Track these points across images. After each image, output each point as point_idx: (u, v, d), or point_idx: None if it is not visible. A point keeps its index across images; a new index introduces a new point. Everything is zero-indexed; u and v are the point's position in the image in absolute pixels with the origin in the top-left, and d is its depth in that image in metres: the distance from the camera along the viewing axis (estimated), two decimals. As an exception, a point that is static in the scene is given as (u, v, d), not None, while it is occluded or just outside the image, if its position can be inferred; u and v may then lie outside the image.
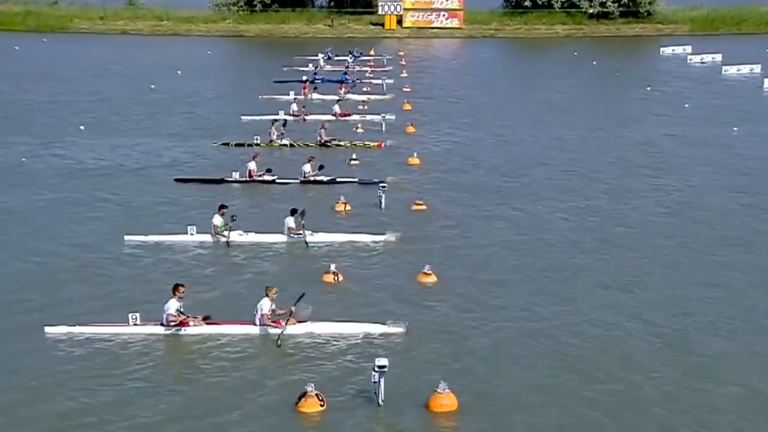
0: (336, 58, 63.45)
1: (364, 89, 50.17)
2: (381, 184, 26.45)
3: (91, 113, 42.45)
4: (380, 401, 14.36)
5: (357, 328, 17.25)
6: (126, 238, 22.89)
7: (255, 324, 17.30)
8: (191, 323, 17.26)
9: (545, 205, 26.44)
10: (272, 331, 17.12)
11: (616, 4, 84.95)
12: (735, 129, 38.60)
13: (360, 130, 37.88)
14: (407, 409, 14.38)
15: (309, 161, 29.26)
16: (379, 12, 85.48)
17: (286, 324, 17.06)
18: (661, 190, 28.33)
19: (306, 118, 40.41)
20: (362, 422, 14.07)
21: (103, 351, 16.58)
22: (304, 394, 14.37)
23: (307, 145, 34.83)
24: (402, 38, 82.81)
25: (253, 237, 22.90)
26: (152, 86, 51.38)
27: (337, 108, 41.61)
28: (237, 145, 34.75)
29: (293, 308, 17.10)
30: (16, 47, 72.32)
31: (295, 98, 44.24)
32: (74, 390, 15.09)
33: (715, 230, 24.09)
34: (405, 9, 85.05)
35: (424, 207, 25.77)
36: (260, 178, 28.95)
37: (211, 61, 66.02)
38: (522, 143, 36.29)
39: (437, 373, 15.04)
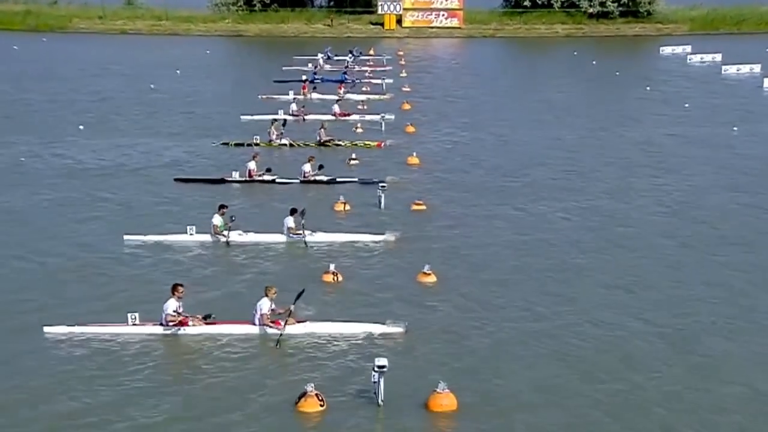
0: (335, 57, 63.43)
1: (364, 89, 50.15)
2: (380, 184, 26.42)
3: (91, 113, 42.43)
4: (380, 401, 14.35)
5: (356, 328, 17.23)
6: (125, 237, 22.86)
7: (254, 324, 17.28)
8: (190, 323, 17.24)
9: (545, 205, 26.42)
10: (271, 331, 17.10)
11: (616, 4, 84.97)
12: (735, 129, 38.59)
13: (359, 130, 37.86)
14: (407, 409, 14.36)
15: (309, 161, 29.24)
16: (379, 12, 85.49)
17: (285, 324, 17.04)
18: (662, 190, 28.31)
19: (306, 117, 40.39)
20: (362, 422, 14.05)
21: (102, 351, 16.55)
22: (303, 394, 14.35)
23: (307, 144, 34.81)
24: (401, 38, 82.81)
25: (252, 237, 22.87)
26: (152, 86, 51.36)
27: (336, 108, 41.59)
28: (236, 144, 34.73)
29: (292, 307, 17.08)
30: (15, 47, 72.29)
31: (294, 98, 44.24)
32: (73, 390, 15.07)
33: (716, 230, 24.08)
34: (404, 9, 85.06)
35: (423, 207, 25.75)
36: (260, 178, 28.93)
37: (210, 60, 65.98)
38: (522, 143, 36.27)
39: (437, 373, 15.03)
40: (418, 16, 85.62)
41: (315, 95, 47.50)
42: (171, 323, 17.19)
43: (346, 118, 40.57)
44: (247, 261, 21.63)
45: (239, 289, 19.58)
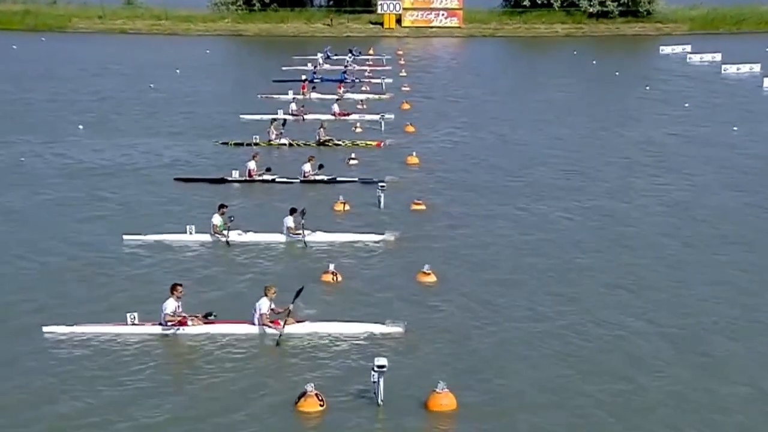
0: (335, 57, 63.40)
1: (363, 88, 50.13)
2: (380, 184, 26.40)
3: (91, 112, 42.41)
4: (379, 401, 14.33)
5: (356, 328, 17.21)
6: (125, 237, 22.85)
7: (254, 324, 17.26)
8: (189, 323, 17.22)
9: (546, 204, 26.40)
10: (271, 330, 17.09)
11: (616, 4, 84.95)
12: (735, 128, 38.58)
13: (359, 130, 37.84)
14: (406, 408, 14.35)
15: (309, 161, 29.22)
16: (379, 11, 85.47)
17: (284, 324, 17.03)
18: (663, 189, 28.30)
19: (305, 117, 40.37)
20: (361, 422, 14.05)
21: (102, 351, 16.53)
22: (303, 394, 14.34)
23: (306, 144, 34.79)
24: (401, 37, 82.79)
25: (252, 236, 22.85)
26: (151, 85, 51.33)
27: (336, 107, 41.57)
28: (236, 144, 34.72)
29: (291, 306, 17.06)
30: (14, 46, 72.24)
31: (294, 97, 44.21)
32: (72, 390, 15.05)
33: (717, 229, 24.07)
34: (404, 8, 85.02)
35: (423, 206, 25.73)
36: (260, 178, 28.91)
37: (210, 60, 65.94)
38: (522, 142, 36.25)
39: (436, 373, 15.02)
40: (417, 16, 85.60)
41: (314, 95, 47.47)
42: (170, 323, 17.17)
43: (346, 117, 40.55)
44: (246, 261, 21.61)
45: (239, 289, 19.56)
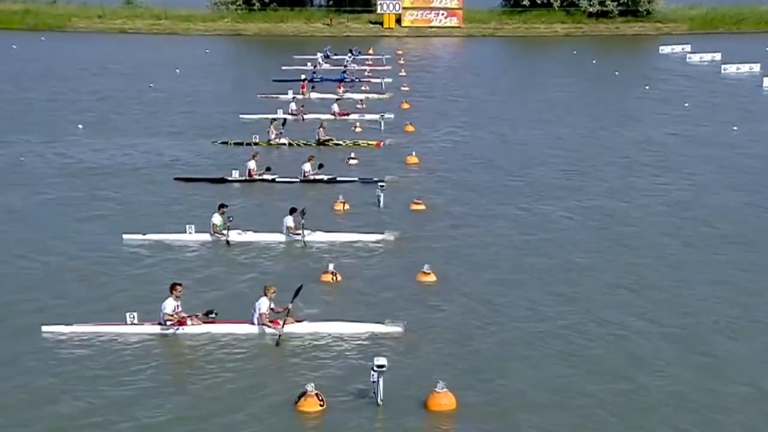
0: (335, 57, 63.40)
1: (363, 88, 50.14)
2: (379, 183, 26.39)
3: (91, 112, 42.40)
4: (379, 401, 14.33)
5: (355, 328, 17.20)
6: (124, 237, 22.84)
7: (253, 323, 17.26)
8: (189, 322, 17.22)
9: (546, 204, 26.39)
10: (270, 330, 17.08)
11: (616, 3, 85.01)
12: (735, 128, 38.58)
13: (358, 129, 37.84)
14: (406, 408, 14.35)
15: (309, 160, 29.21)
16: (378, 11, 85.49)
17: (284, 323, 17.03)
18: (664, 189, 28.30)
19: (305, 117, 40.37)
20: (361, 421, 14.04)
21: (101, 350, 16.52)
22: (303, 394, 14.34)
23: (306, 144, 34.78)
24: (401, 37, 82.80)
25: (251, 236, 22.84)
26: (151, 85, 51.33)
27: (335, 107, 41.58)
28: (236, 144, 34.73)
29: (290, 306, 17.06)
30: (14, 46, 72.21)
31: (294, 97, 44.20)
32: (72, 390, 15.03)
33: (718, 229, 24.06)
34: (404, 8, 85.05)
35: (422, 206, 25.72)
36: (260, 177, 28.91)
37: (209, 60, 65.94)
38: (522, 142, 36.25)
39: (436, 373, 15.01)
40: (417, 15, 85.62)
41: (314, 94, 47.47)
42: (169, 323, 17.16)
43: (346, 117, 40.54)
44: (246, 260, 21.60)
45: (238, 289, 19.55)
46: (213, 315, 17.26)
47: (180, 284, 17.52)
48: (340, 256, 21.44)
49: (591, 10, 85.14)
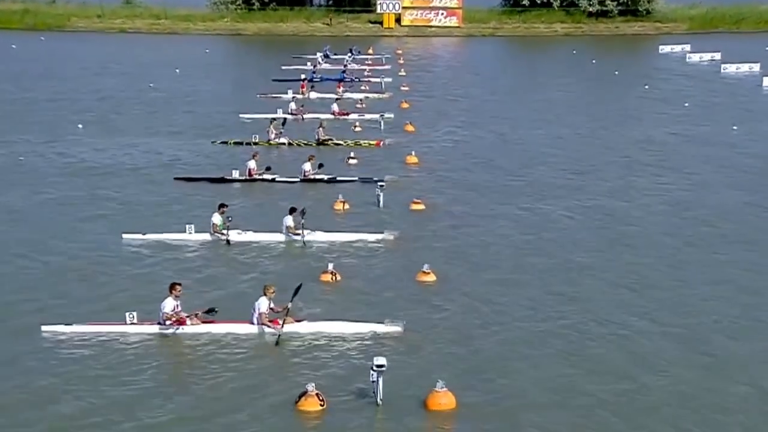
0: (334, 56, 63.39)
1: (363, 88, 50.14)
2: (379, 183, 26.38)
3: (91, 112, 42.39)
4: (379, 400, 14.32)
5: (355, 328, 17.18)
6: (124, 236, 22.84)
7: (253, 323, 17.25)
8: (188, 322, 17.21)
9: (546, 204, 26.39)
10: (270, 330, 17.08)
11: (615, 3, 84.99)
12: (735, 128, 38.58)
13: (358, 129, 37.84)
14: (406, 408, 14.34)
15: (309, 160, 29.21)
16: (378, 10, 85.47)
17: (283, 323, 17.02)
18: (664, 189, 28.31)
19: (304, 116, 40.36)
20: (361, 421, 14.03)
21: (100, 350, 16.50)
22: (304, 393, 14.33)
23: (306, 143, 34.76)
24: (400, 37, 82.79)
25: (251, 236, 22.84)
26: (150, 84, 51.31)
27: (335, 107, 41.57)
28: (236, 143, 34.73)
29: (290, 305, 17.06)
30: (14, 45, 72.18)
31: (293, 97, 44.19)
32: (71, 389, 15.01)
33: (718, 228, 24.06)
34: (404, 7, 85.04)
35: (422, 206, 25.72)
36: (260, 177, 28.90)
37: (209, 59, 65.93)
38: (522, 141, 36.25)
39: (435, 372, 15.00)
40: (417, 15, 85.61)
41: (314, 94, 47.43)
42: (168, 322, 17.15)
43: (345, 117, 40.54)
44: (245, 260, 21.60)
45: (238, 288, 19.54)
46: (214, 312, 17.24)
47: (179, 284, 17.51)
48: (339, 256, 21.44)
49: (591, 9, 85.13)
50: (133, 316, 17.23)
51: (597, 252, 22.11)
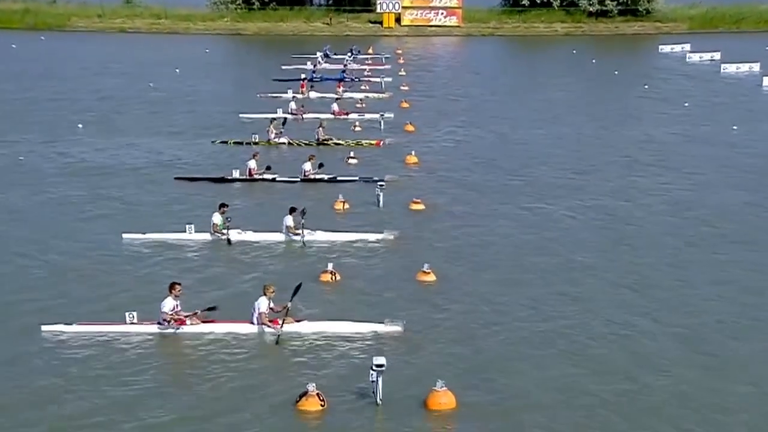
0: (334, 56, 63.39)
1: (363, 87, 50.13)
2: (379, 183, 26.37)
3: (91, 111, 42.38)
4: (378, 400, 14.32)
5: (354, 328, 17.18)
6: (124, 236, 22.84)
7: (252, 323, 17.26)
8: (188, 322, 17.21)
9: (546, 203, 26.38)
10: (270, 330, 17.08)
11: (615, 3, 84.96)
12: (735, 127, 38.58)
13: (358, 129, 37.84)
14: (406, 407, 14.34)
15: (309, 159, 29.21)
16: (378, 10, 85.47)
17: (283, 323, 17.03)
18: (665, 188, 28.30)
19: (304, 116, 40.37)
20: (361, 421, 14.03)
21: (100, 350, 16.50)
22: (304, 393, 14.32)
23: (306, 143, 34.76)
24: (400, 36, 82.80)
25: (251, 235, 22.84)
26: (150, 84, 51.31)
27: (335, 106, 41.57)
28: (236, 143, 34.74)
29: (289, 304, 17.06)
30: (14, 45, 72.17)
31: (293, 96, 44.17)
32: (71, 390, 15.01)
33: (719, 228, 24.04)
34: (403, 7, 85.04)
35: (422, 206, 25.72)
36: (260, 177, 28.91)
37: (209, 59, 65.93)
38: (522, 141, 36.25)
39: (435, 372, 14.99)
40: (417, 15, 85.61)
41: (314, 94, 47.42)
42: (168, 322, 17.16)
43: (345, 116, 40.53)
44: (245, 260, 21.59)
45: (238, 288, 19.53)
46: (214, 310, 17.23)
47: (179, 283, 17.51)
48: (339, 256, 21.43)
49: (591, 9, 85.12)
50: (133, 316, 17.23)
51: (598, 252, 22.11)
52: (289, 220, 22.73)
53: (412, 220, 24.62)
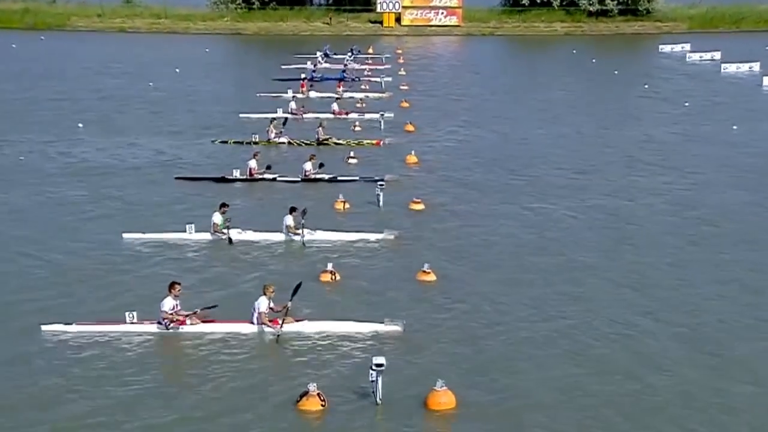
0: (334, 56, 63.36)
1: (363, 87, 50.12)
2: (379, 183, 26.37)
3: (91, 111, 42.36)
4: (378, 399, 14.32)
5: (355, 327, 17.18)
6: (124, 236, 22.84)
7: (252, 323, 17.26)
8: (188, 322, 17.21)
9: (546, 203, 26.36)
10: (269, 329, 17.08)
11: (615, 2, 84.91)
12: (735, 127, 38.58)
13: (358, 129, 37.83)
14: (406, 407, 14.34)
15: (310, 159, 29.20)
16: (378, 10, 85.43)
17: (282, 322, 17.03)
18: (665, 188, 28.30)
19: (304, 116, 40.36)
20: (362, 421, 14.02)
21: (100, 349, 16.49)
22: (305, 393, 14.32)
23: (306, 143, 34.75)
24: (400, 36, 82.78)
25: (251, 235, 22.84)
26: (150, 84, 51.30)
27: (335, 106, 41.56)
28: (236, 143, 34.74)
29: (289, 304, 17.06)
30: (13, 45, 72.15)
31: (293, 96, 44.15)
32: (70, 389, 15.01)
33: (721, 228, 24.05)
34: (404, 7, 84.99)
35: (422, 205, 25.71)
36: (261, 176, 28.91)
37: (209, 59, 65.89)
38: (522, 141, 36.24)
39: (435, 372, 14.99)
40: (417, 14, 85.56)
41: (314, 93, 47.40)
42: (168, 321, 17.16)
43: (345, 116, 40.52)
44: (245, 260, 21.59)
45: (237, 288, 19.52)
46: (213, 308, 17.23)
47: (179, 283, 17.51)
48: (339, 256, 21.43)
49: (591, 9, 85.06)
50: (133, 316, 17.24)
51: (599, 251, 22.10)
52: (289, 220, 22.73)
53: (412, 220, 24.61)
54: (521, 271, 20.67)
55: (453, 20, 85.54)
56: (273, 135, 35.13)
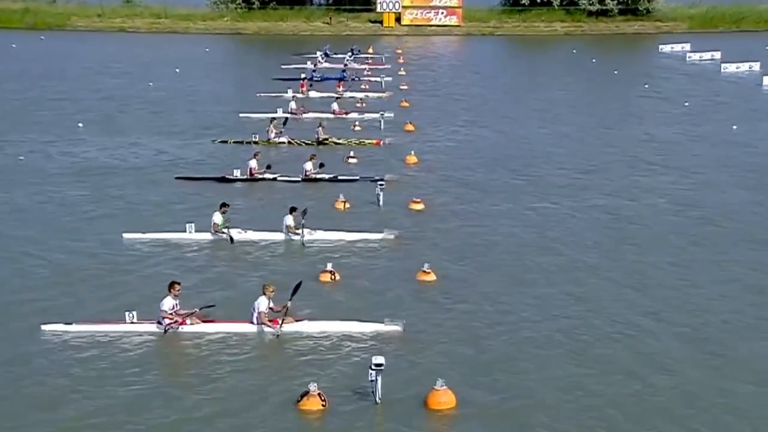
0: (334, 55, 63.36)
1: (363, 87, 50.10)
2: (379, 182, 26.35)
3: (91, 111, 42.34)
4: (377, 399, 14.31)
5: (354, 327, 17.16)
6: (125, 236, 22.83)
7: (252, 322, 17.24)
8: (188, 322, 17.19)
9: (548, 203, 26.35)
10: (269, 329, 17.06)
11: (615, 2, 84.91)
12: (735, 127, 38.57)
13: (358, 128, 37.81)
14: (406, 406, 14.32)
15: (310, 159, 29.19)
16: (378, 9, 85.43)
17: (282, 322, 17.01)
18: (666, 188, 28.28)
19: (304, 116, 40.34)
20: (362, 420, 14.00)
21: (100, 349, 16.47)
22: (306, 393, 14.30)
23: (306, 143, 34.73)
24: (400, 36, 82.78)
25: (251, 235, 22.83)
26: (150, 84, 51.28)
27: (335, 106, 41.55)
28: (236, 142, 34.73)
29: (289, 304, 17.05)
30: (14, 45, 72.14)
31: (293, 96, 44.14)
32: (70, 389, 14.98)
33: (723, 227, 24.03)
34: (403, 6, 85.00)
35: (422, 205, 25.69)
36: (261, 176, 28.90)
37: (209, 58, 65.89)
38: (522, 141, 36.22)
39: (435, 371, 14.98)
40: (417, 14, 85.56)
41: (314, 93, 47.38)
42: (167, 321, 17.14)
43: (345, 116, 40.51)
44: (245, 259, 21.58)
45: (237, 288, 19.50)
46: (212, 307, 17.21)
47: (178, 283, 17.49)
48: (340, 255, 21.41)
49: (591, 8, 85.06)
50: (133, 316, 17.22)
51: (601, 251, 22.07)
52: (289, 220, 22.72)
53: (412, 220, 24.59)
54: (522, 270, 20.65)
55: (453, 20, 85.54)
56: (273, 135, 35.12)
